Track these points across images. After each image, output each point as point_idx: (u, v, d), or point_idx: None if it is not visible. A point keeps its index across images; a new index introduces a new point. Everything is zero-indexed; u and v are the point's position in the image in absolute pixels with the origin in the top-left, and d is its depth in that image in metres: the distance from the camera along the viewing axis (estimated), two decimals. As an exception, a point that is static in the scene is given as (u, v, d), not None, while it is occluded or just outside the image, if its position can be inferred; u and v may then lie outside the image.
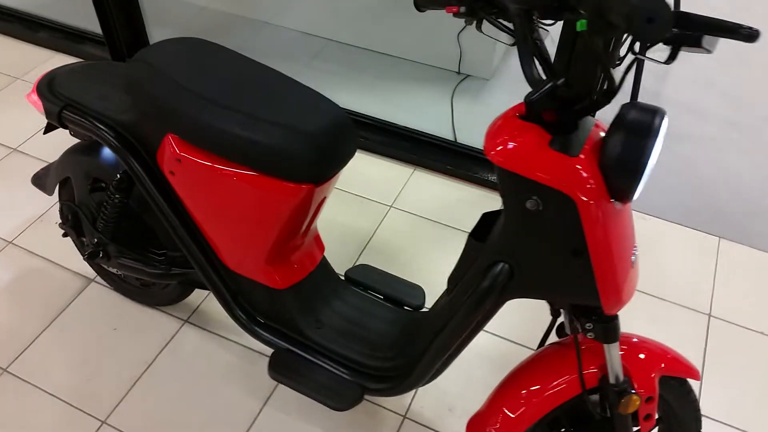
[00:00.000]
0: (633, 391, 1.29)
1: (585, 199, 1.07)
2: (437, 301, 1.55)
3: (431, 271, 2.16)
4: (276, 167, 1.33)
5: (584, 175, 1.06)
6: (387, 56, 3.05)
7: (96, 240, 1.73)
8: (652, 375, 1.33)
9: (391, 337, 1.58)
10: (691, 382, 1.45)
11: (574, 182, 1.06)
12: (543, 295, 1.24)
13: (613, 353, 1.27)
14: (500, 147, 1.10)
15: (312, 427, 1.74)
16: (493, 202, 2.39)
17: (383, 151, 2.60)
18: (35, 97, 1.57)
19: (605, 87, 1.06)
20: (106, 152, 1.66)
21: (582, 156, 1.07)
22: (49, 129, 1.72)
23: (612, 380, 1.29)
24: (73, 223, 1.82)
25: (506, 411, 1.36)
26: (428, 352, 1.38)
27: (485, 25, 1.19)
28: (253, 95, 1.38)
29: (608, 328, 1.23)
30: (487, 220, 1.33)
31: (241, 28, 3.26)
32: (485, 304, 1.24)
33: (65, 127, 1.57)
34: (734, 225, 2.41)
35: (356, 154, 1.48)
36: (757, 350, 1.99)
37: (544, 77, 1.13)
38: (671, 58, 1.02)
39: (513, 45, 1.11)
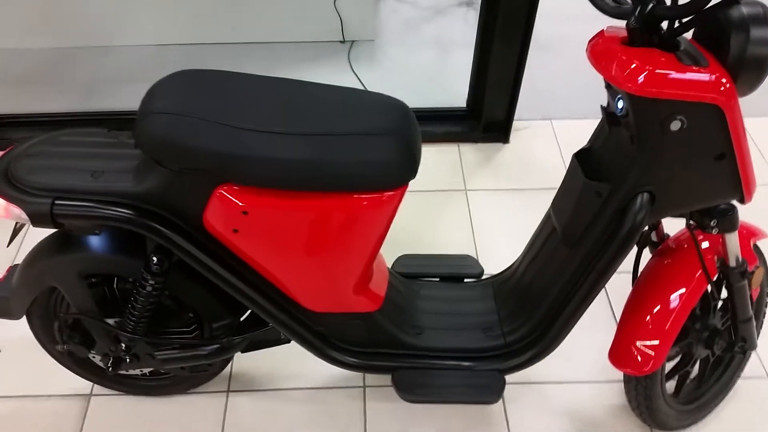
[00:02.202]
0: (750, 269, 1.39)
1: (730, 103, 1.09)
2: (522, 257, 1.52)
3: (449, 238, 2.12)
4: (367, 181, 1.18)
5: (724, 81, 1.08)
6: (266, 44, 2.82)
7: (126, 344, 1.41)
8: (750, 247, 1.45)
9: (494, 313, 1.52)
10: None
11: (719, 90, 1.08)
12: (680, 209, 1.27)
13: (734, 240, 1.35)
14: (638, 77, 1.07)
15: (420, 436, 1.64)
16: (446, 155, 2.38)
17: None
18: (6, 203, 1.20)
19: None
20: (102, 239, 1.34)
21: (710, 64, 1.09)
22: (13, 238, 1.34)
23: (732, 264, 1.38)
24: (81, 339, 1.46)
25: (647, 333, 1.39)
26: (567, 309, 1.35)
27: None
28: (300, 113, 1.19)
29: (733, 219, 1.30)
30: (582, 157, 1.31)
31: (80, 61, 2.78)
32: (634, 240, 1.23)
33: (59, 226, 1.22)
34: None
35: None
36: None
37: (613, 3, 1.14)
38: None
39: None
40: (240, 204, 1.18)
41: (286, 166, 1.14)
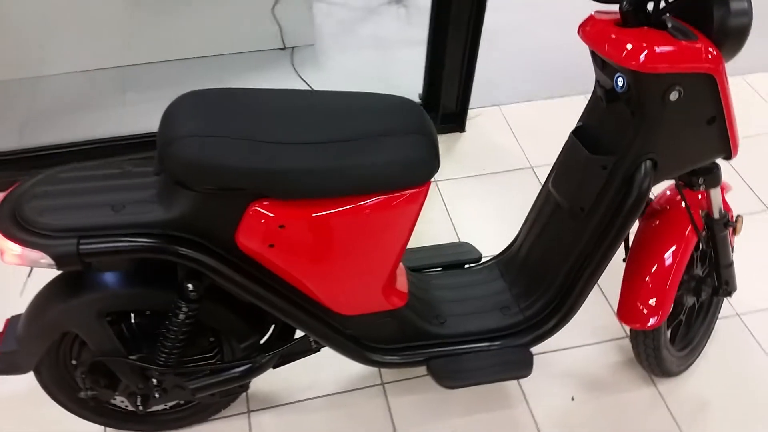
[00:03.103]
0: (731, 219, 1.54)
1: (720, 70, 1.21)
2: (524, 236, 1.60)
3: (432, 231, 2.16)
4: (398, 180, 1.21)
5: (711, 50, 1.20)
6: (207, 58, 2.75)
7: (156, 379, 1.36)
8: (725, 199, 1.60)
9: (506, 292, 1.59)
10: None
11: (710, 60, 1.20)
12: (677, 172, 1.39)
13: (717, 194, 1.49)
14: (640, 55, 1.17)
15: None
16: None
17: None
18: (16, 247, 1.13)
19: None
20: (120, 275, 1.29)
21: (699, 38, 1.20)
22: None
23: (716, 216, 1.52)
24: (107, 382, 1.39)
25: (650, 291, 1.50)
26: (582, 278, 1.44)
27: None
28: (321, 121, 1.21)
29: (717, 175, 1.44)
30: (579, 135, 1.41)
31: (9, 95, 2.60)
32: (642, 206, 1.34)
33: (86, 266, 1.17)
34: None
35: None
36: None
37: None
38: None
39: None
40: (276, 218, 1.18)
41: (323, 175, 1.15)
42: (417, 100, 2.55)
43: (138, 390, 1.41)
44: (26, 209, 1.17)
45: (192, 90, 1.24)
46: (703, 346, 1.83)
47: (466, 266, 1.73)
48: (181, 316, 1.28)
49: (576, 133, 1.42)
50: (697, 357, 1.82)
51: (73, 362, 1.45)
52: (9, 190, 1.23)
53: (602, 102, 1.34)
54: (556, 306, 1.51)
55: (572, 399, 1.76)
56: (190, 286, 1.24)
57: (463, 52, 2.29)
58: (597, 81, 1.37)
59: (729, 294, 1.66)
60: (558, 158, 1.51)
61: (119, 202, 1.19)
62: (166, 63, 2.73)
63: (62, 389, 1.48)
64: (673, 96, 1.22)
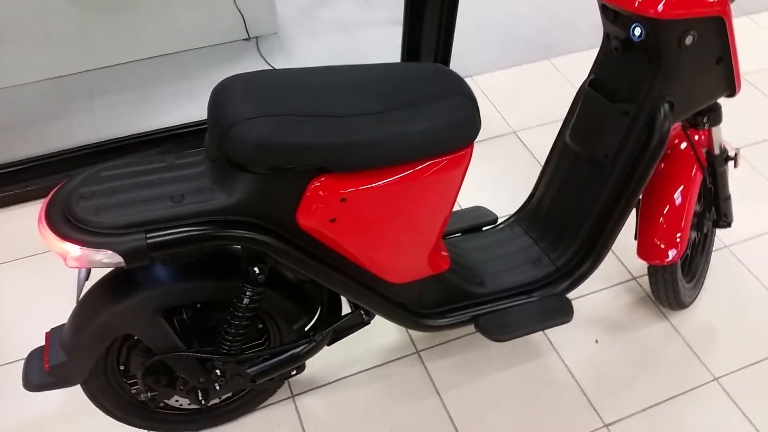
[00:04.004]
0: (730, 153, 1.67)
1: (728, 11, 1.31)
2: (543, 190, 1.67)
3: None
4: (450, 141, 1.25)
5: (722, -7, 1.29)
6: (173, 55, 2.68)
7: (221, 369, 1.35)
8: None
9: (534, 246, 1.66)
10: None
11: (721, 2, 1.29)
12: (691, 112, 1.48)
13: (719, 131, 1.60)
14: (658, 5, 1.25)
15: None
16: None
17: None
18: (75, 249, 1.09)
19: None
20: (171, 268, 1.27)
21: None
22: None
23: (717, 152, 1.64)
24: (167, 381, 1.36)
25: (667, 229, 1.61)
26: (611, 222, 1.52)
27: None
28: (370, 92, 1.23)
29: (720, 113, 1.55)
30: (595, 87, 1.48)
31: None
32: (664, 147, 1.42)
33: (149, 260, 1.14)
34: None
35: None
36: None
37: None
38: None
39: None
40: (338, 191, 1.19)
41: (385, 144, 1.17)
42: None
43: (199, 384, 1.39)
44: (78, 210, 1.13)
45: (231, 75, 1.23)
46: (705, 278, 1.97)
47: (484, 229, 1.79)
48: (246, 301, 1.27)
49: (592, 85, 1.49)
50: (701, 288, 1.96)
51: (121, 367, 1.41)
52: (51, 194, 1.19)
53: (617, 53, 1.42)
54: (586, 252, 1.59)
55: (596, 342, 1.86)
56: (257, 269, 1.24)
57: (438, 27, 2.33)
58: (607, 34, 1.44)
59: (728, 225, 1.80)
60: (572, 112, 1.58)
61: (177, 194, 1.16)
62: (132, 64, 2.63)
63: (110, 397, 1.44)
64: (688, 40, 1.31)
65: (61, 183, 1.21)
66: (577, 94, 1.57)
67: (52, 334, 1.37)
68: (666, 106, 1.40)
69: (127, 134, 2.31)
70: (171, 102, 2.50)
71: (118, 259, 1.10)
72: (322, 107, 1.16)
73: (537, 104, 2.63)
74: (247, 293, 1.26)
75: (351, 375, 1.76)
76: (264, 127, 1.10)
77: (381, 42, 2.87)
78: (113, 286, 1.28)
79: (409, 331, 1.85)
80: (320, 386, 1.73)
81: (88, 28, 2.49)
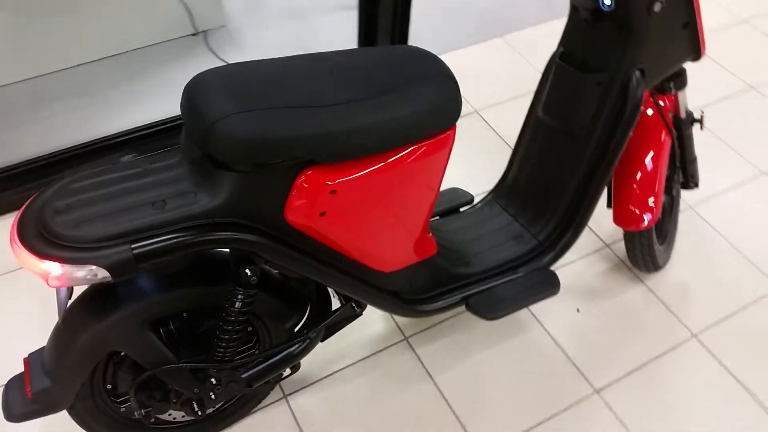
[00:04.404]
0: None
1: (696, -23, 1.33)
2: (518, 167, 1.68)
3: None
4: (435, 124, 1.23)
5: (688, -41, 1.31)
6: (120, 56, 2.55)
7: (216, 377, 1.30)
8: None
9: (513, 222, 1.67)
10: None
11: (687, -32, 1.31)
12: (660, 77, 1.51)
13: (684, 96, 1.64)
14: None
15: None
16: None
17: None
18: (56, 267, 1.03)
19: None
20: (154, 279, 1.21)
21: None
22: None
23: (683, 115, 1.68)
24: (161, 396, 1.30)
25: (641, 195, 1.64)
26: (590, 192, 1.54)
27: None
28: (351, 80, 1.19)
29: (685, 77, 1.59)
30: (566, 59, 1.49)
31: None
32: (638, 114, 1.44)
33: (136, 272, 1.08)
34: None
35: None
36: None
37: None
38: None
39: None
40: (328, 184, 1.16)
41: (373, 131, 1.14)
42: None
43: (193, 395, 1.34)
44: (54, 225, 1.06)
45: (202, 71, 1.17)
46: (674, 239, 2.02)
47: (462, 210, 1.79)
48: (238, 305, 1.23)
49: (562, 58, 1.50)
50: (672, 249, 2.01)
51: (109, 386, 1.35)
52: (20, 212, 1.11)
53: (586, 24, 1.43)
54: (566, 224, 1.61)
55: (577, 311, 1.89)
56: (248, 271, 1.19)
57: (394, 10, 2.30)
58: (574, 6, 1.45)
59: (696, 186, 1.85)
60: (543, 87, 1.58)
61: (158, 199, 1.11)
62: (76, 68, 2.50)
63: (99, 419, 1.38)
64: (657, 7, 1.33)
65: (29, 199, 1.14)
66: (546, 69, 1.57)
67: (32, 359, 1.29)
68: (638, 73, 1.42)
69: (80, 142, 2.20)
70: (123, 105, 2.39)
71: (103, 273, 1.05)
72: (305, 97, 1.12)
73: (495, 82, 2.64)
74: (239, 296, 1.22)
75: (341, 369, 1.74)
76: (248, 122, 1.06)
77: (335, 27, 2.82)
78: (96, 301, 1.22)
79: (396, 318, 1.84)
80: (312, 383, 1.70)
81: (23, 34, 2.35)
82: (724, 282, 1.98)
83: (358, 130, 1.13)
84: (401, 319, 1.84)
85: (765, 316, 1.90)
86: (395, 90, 1.19)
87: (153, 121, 2.28)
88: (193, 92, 1.12)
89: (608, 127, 1.47)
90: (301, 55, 1.25)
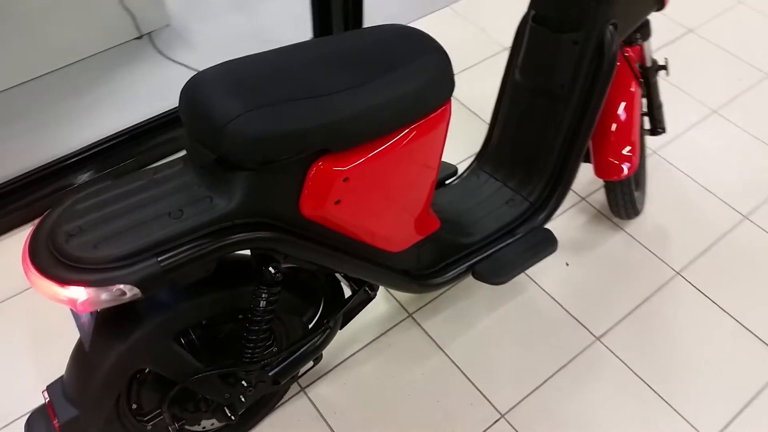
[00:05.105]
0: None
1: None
2: (501, 133, 1.72)
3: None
4: (436, 99, 1.25)
5: None
6: (65, 69, 2.44)
7: (246, 379, 1.29)
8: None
9: (503, 187, 1.71)
10: None
11: None
12: (630, 30, 1.56)
13: (649, 45, 1.70)
14: None
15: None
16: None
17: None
18: (80, 291, 1.00)
19: None
20: (174, 291, 1.19)
21: None
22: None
23: (649, 64, 1.75)
24: (194, 406, 1.28)
25: (618, 146, 1.70)
26: (575, 148, 1.59)
27: None
28: (350, 65, 1.18)
29: (650, 27, 1.65)
30: (539, 21, 1.52)
31: None
32: (615, 68, 1.49)
33: (166, 285, 1.06)
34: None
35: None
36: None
37: None
38: None
39: None
40: (341, 170, 1.16)
41: (380, 113, 1.15)
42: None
43: (225, 400, 1.33)
44: (71, 249, 1.03)
45: (197, 73, 1.14)
46: (646, 183, 2.12)
47: (447, 182, 1.81)
48: (263, 304, 1.22)
49: (535, 20, 1.53)
50: (645, 194, 2.10)
51: (134, 406, 1.33)
52: (28, 243, 1.07)
53: None
54: (555, 182, 1.66)
55: (567, 264, 1.96)
56: (272, 269, 1.19)
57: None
58: None
59: (664, 131, 1.93)
60: (517, 51, 1.61)
61: (173, 209, 1.09)
62: (18, 88, 2.38)
63: None
64: None
65: (33, 228, 1.09)
66: (518, 33, 1.60)
67: (52, 390, 1.25)
68: (611, 28, 1.46)
69: (29, 169, 2.09)
70: (77, 120, 2.29)
71: (133, 291, 1.02)
72: (307, 88, 1.11)
73: (450, 51, 2.66)
74: (263, 295, 1.21)
75: (353, 354, 1.75)
76: (260, 119, 1.04)
77: (282, 12, 2.77)
78: (115, 321, 1.19)
79: (398, 297, 1.86)
80: (326, 373, 1.71)
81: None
82: (696, 219, 2.09)
83: (366, 114, 1.13)
84: (403, 297, 1.87)
85: (738, 245, 2.02)
86: (392, 70, 1.19)
87: (111, 134, 2.20)
88: (195, 95, 1.09)
89: (588, 84, 1.52)
90: (290, 45, 1.24)
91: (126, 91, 2.41)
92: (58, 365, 1.64)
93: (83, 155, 2.15)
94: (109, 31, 2.51)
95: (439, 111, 1.27)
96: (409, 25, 1.23)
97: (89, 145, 2.16)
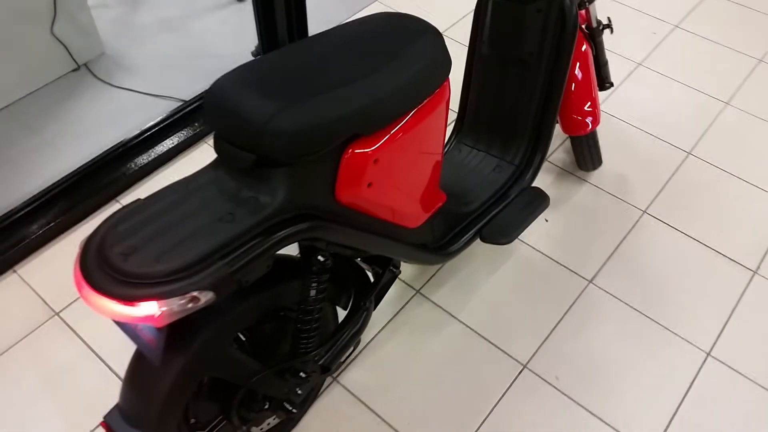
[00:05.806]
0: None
1: None
2: (476, 104, 1.82)
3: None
4: (440, 74, 1.33)
5: None
6: (6, 110, 2.32)
7: (305, 370, 1.33)
8: None
9: (487, 155, 1.83)
10: None
11: None
12: None
13: (594, 7, 1.86)
14: None
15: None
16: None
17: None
18: (161, 303, 1.01)
19: None
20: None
21: None
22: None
23: (595, 25, 1.90)
24: (258, 407, 1.30)
25: (579, 102, 1.85)
26: (550, 109, 1.72)
27: None
28: (361, 53, 1.25)
29: (596, -9, 1.80)
30: None
31: None
32: (577, 28, 1.63)
33: (235, 287, 1.08)
34: None
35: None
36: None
37: None
38: None
39: None
40: (372, 153, 1.22)
41: (398, 96, 1.22)
42: (251, 57, 2.53)
43: (284, 395, 1.35)
44: (131, 267, 1.03)
45: (217, 79, 1.17)
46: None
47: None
48: (313, 293, 1.26)
49: None
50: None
51: (192, 420, 1.33)
52: (78, 270, 1.06)
53: None
54: (535, 143, 1.79)
55: (546, 221, 2.10)
56: (320, 257, 1.23)
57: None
58: None
59: (612, 85, 2.10)
60: (480, 26, 1.72)
61: (224, 213, 1.11)
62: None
63: None
64: None
65: (78, 255, 1.08)
66: (479, 8, 1.71)
67: (111, 419, 1.24)
68: None
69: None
70: (26, 163, 2.20)
71: (207, 296, 1.04)
72: (328, 80, 1.16)
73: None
74: (313, 284, 1.25)
75: (374, 337, 1.81)
76: (297, 115, 1.09)
77: (218, 28, 2.76)
78: (177, 333, 1.19)
79: (402, 277, 1.93)
80: (352, 360, 1.76)
81: None
82: (648, 161, 2.29)
83: (389, 98, 1.20)
84: (408, 276, 1.94)
85: (688, 178, 2.24)
86: (399, 54, 1.26)
87: (70, 172, 2.13)
88: (224, 102, 1.12)
89: (554, 49, 1.65)
90: (290, 46, 1.29)
91: (76, 123, 2.34)
92: (80, 401, 1.62)
93: (39, 201, 2.06)
94: (45, 65, 2.42)
95: (443, 86, 1.35)
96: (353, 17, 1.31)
97: (47, 188, 2.08)
